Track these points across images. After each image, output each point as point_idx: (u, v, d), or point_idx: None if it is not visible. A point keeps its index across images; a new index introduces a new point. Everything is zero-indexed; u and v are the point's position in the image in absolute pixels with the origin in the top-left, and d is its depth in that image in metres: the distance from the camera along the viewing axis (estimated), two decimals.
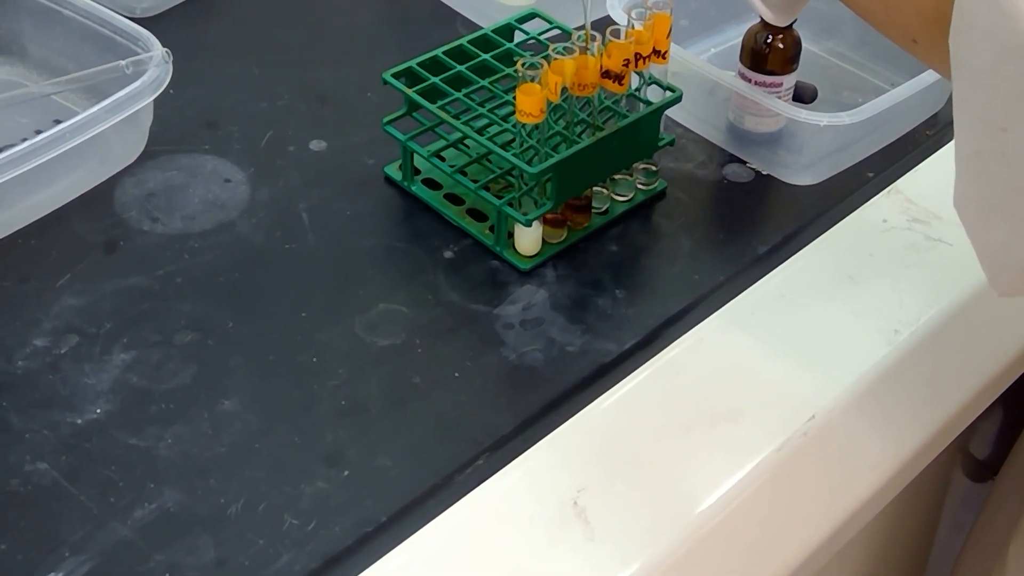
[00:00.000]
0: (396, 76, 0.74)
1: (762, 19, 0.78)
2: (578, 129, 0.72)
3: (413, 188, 0.76)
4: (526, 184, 0.70)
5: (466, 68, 0.75)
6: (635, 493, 0.58)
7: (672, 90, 0.74)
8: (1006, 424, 0.92)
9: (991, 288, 0.53)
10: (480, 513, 0.58)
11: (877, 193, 0.77)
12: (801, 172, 0.79)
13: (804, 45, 0.81)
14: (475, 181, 0.73)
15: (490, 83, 0.75)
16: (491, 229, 0.72)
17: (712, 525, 0.58)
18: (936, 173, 0.79)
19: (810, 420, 0.62)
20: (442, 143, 0.75)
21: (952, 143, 0.82)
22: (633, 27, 0.71)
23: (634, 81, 0.73)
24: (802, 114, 0.76)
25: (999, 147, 0.47)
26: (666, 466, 0.60)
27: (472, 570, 0.55)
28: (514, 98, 0.67)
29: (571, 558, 0.56)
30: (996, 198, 0.49)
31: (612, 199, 0.76)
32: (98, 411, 0.62)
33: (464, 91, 0.74)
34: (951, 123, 0.84)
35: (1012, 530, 0.81)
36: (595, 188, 0.74)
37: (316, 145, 0.79)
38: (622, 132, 0.71)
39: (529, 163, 0.69)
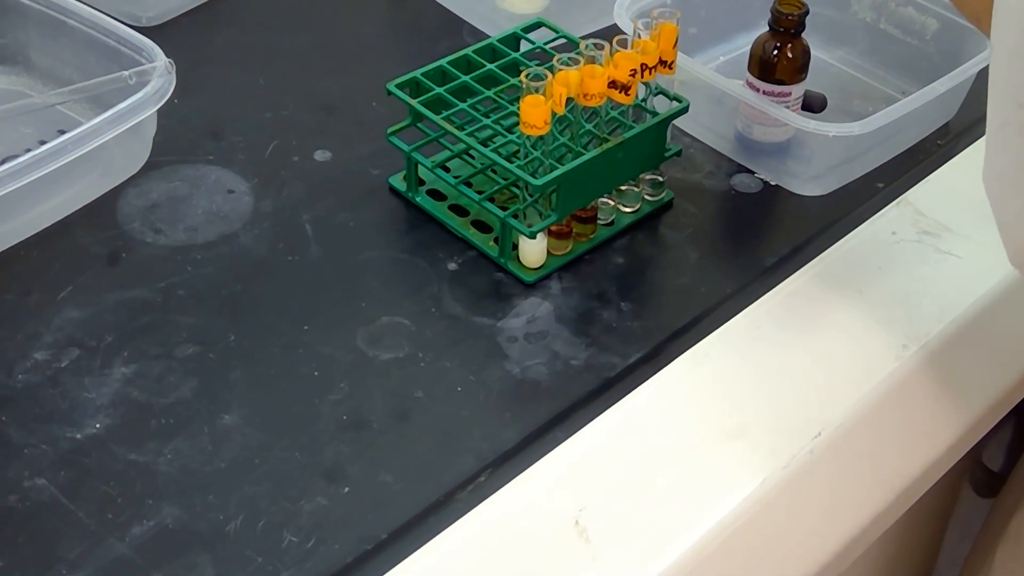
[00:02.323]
0: (401, 86, 0.74)
1: (771, 27, 0.78)
2: (584, 140, 0.71)
3: (417, 199, 0.75)
4: (531, 196, 0.69)
5: (471, 78, 0.75)
6: (638, 512, 0.58)
7: (679, 100, 0.73)
8: (1017, 436, 0.91)
9: (1011, 263, 0.55)
10: (481, 532, 0.57)
11: (887, 205, 0.76)
12: (810, 183, 0.78)
13: (814, 53, 0.80)
14: (480, 192, 0.72)
15: (495, 93, 0.75)
16: (496, 241, 0.72)
17: (716, 544, 0.57)
18: (947, 184, 0.78)
19: (816, 437, 0.62)
20: (447, 154, 0.74)
21: (964, 153, 0.82)
22: (639, 37, 0.70)
23: (640, 91, 0.72)
24: (811, 124, 0.75)
25: (1019, 120, 0.51)
26: (670, 484, 0.59)
27: None
28: (519, 109, 0.67)
29: None
30: (1011, 171, 0.52)
31: (618, 210, 0.75)
32: (97, 426, 0.61)
33: (469, 101, 0.74)
34: (963, 132, 0.84)
35: (1001, 533, 0.80)
36: (601, 199, 0.73)
37: (320, 155, 0.79)
38: (628, 143, 0.71)
39: (534, 175, 0.68)
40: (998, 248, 0.72)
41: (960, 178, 0.78)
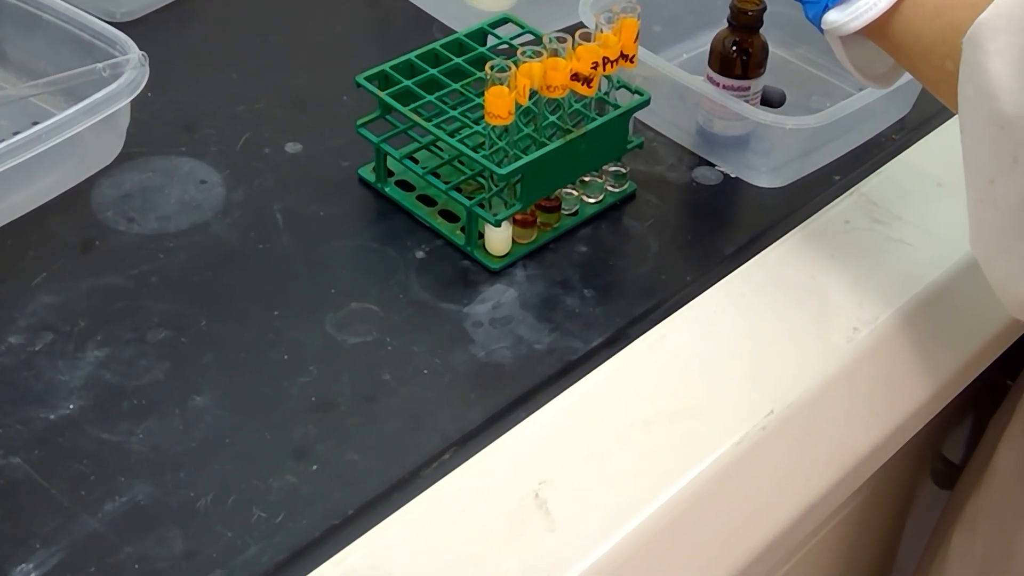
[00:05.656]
0: (370, 79, 0.75)
1: (730, 23, 0.80)
2: (548, 131, 0.73)
3: (386, 189, 0.77)
4: (496, 185, 0.71)
5: (439, 71, 0.77)
6: (595, 486, 0.60)
7: (640, 93, 0.75)
8: (976, 427, 0.93)
9: (1010, 314, 0.62)
10: (443, 504, 0.59)
11: (841, 195, 0.78)
12: (768, 175, 0.80)
13: (774, 50, 0.82)
14: (447, 182, 0.74)
15: (462, 86, 0.77)
16: (462, 230, 0.74)
17: (672, 517, 0.59)
18: (898, 176, 0.80)
19: (769, 415, 0.64)
20: (415, 145, 0.76)
21: (917, 146, 0.84)
22: (601, 31, 0.72)
23: (603, 85, 0.74)
24: (769, 117, 0.77)
25: (991, 196, 0.57)
26: (627, 459, 0.61)
27: (435, 560, 0.56)
28: (484, 100, 0.69)
29: (532, 548, 0.57)
30: (994, 239, 0.57)
31: (582, 201, 0.77)
32: (71, 407, 0.63)
33: (437, 94, 0.76)
34: (918, 127, 0.86)
35: (956, 518, 0.82)
36: (565, 190, 0.75)
37: (292, 147, 0.80)
38: (591, 134, 0.73)
39: (499, 164, 0.70)
40: (946, 236, 0.75)
41: (912, 170, 0.81)
